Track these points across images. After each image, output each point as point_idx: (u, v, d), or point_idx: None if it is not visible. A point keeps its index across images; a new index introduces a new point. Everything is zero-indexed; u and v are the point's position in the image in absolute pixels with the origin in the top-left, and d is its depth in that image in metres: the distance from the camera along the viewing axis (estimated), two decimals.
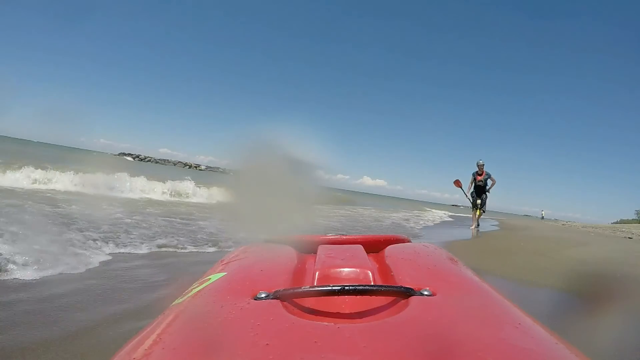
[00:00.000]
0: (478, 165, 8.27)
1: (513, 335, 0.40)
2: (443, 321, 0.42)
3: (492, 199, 8.47)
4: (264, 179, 0.73)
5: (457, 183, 8.50)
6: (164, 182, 8.98)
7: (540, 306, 2.29)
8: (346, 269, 0.61)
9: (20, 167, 7.23)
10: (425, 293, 0.48)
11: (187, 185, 9.26)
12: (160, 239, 3.42)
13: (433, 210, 19.67)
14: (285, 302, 0.47)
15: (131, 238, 3.26)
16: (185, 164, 67.30)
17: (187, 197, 8.72)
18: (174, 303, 0.55)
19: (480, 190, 8.30)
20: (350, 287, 0.48)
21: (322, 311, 0.49)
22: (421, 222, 11.03)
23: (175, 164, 64.80)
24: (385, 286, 0.50)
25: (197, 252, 3.24)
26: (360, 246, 0.77)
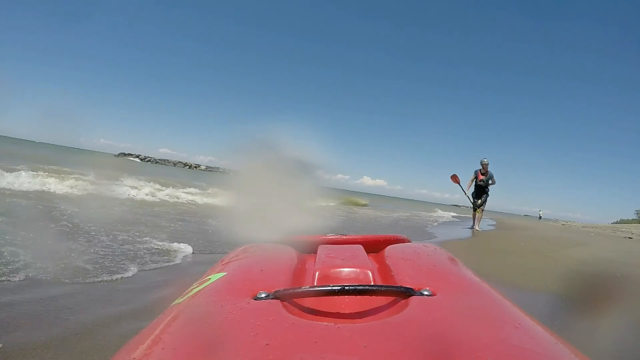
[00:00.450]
0: (482, 164, 7.75)
1: (513, 335, 0.40)
2: (443, 321, 0.42)
3: (492, 199, 8.03)
4: (264, 179, 0.73)
5: (455, 178, 8.01)
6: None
7: (539, 307, 2.29)
8: (346, 269, 0.61)
9: (61, 174, 7.06)
10: (425, 293, 0.48)
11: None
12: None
13: (440, 211, 21.01)
14: (285, 302, 0.47)
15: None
16: (185, 164, 67.29)
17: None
18: (174, 303, 0.55)
19: (480, 191, 7.88)
20: (350, 287, 0.48)
21: (322, 311, 0.49)
22: (434, 222, 11.93)
23: (175, 164, 64.78)
24: (385, 286, 0.50)
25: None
26: (360, 246, 0.77)
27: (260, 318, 0.42)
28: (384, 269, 0.64)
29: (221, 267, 0.65)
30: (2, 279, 1.95)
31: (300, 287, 0.50)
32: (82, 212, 4.22)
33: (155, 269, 2.53)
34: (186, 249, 3.19)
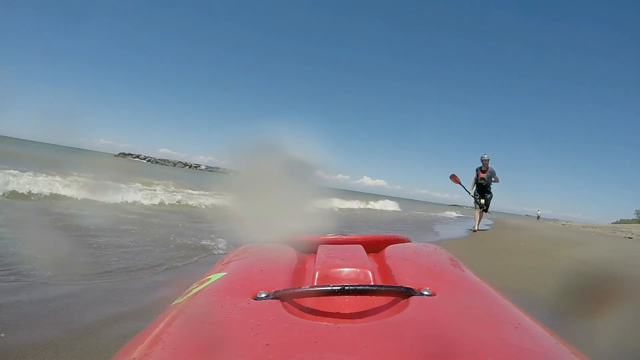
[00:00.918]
0: (482, 160, 7.25)
1: (513, 335, 0.40)
2: (443, 321, 0.42)
3: (492, 198, 7.55)
4: (264, 179, 0.73)
5: (454, 178, 7.44)
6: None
7: (539, 307, 2.29)
8: (346, 269, 0.61)
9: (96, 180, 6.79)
10: (425, 293, 0.48)
11: None
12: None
13: (446, 212, 22.59)
14: (285, 302, 0.47)
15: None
16: (185, 164, 67.27)
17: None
18: (174, 303, 0.55)
19: (482, 189, 7.35)
20: (350, 287, 0.48)
21: (322, 311, 0.49)
22: (449, 218, 14.47)
23: (175, 164, 64.74)
24: (385, 286, 0.50)
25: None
26: (360, 246, 0.77)
27: (260, 318, 0.42)
28: (384, 269, 0.64)
29: (221, 267, 0.65)
30: (3, 279, 1.95)
31: (300, 287, 0.50)
32: (102, 217, 4.24)
33: (155, 268, 2.53)
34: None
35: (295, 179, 0.74)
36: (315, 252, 0.73)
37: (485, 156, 7.24)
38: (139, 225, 3.98)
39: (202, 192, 9.12)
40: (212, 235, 3.77)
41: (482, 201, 7.35)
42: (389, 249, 0.73)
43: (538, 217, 38.93)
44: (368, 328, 0.39)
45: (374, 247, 0.80)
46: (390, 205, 18.84)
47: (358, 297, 0.50)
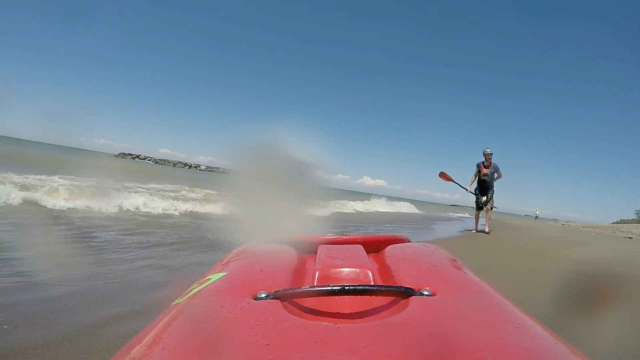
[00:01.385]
0: (485, 155, 6.61)
1: (513, 335, 0.40)
2: (443, 321, 0.42)
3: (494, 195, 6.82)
4: (264, 179, 0.73)
5: (444, 176, 6.81)
6: None
7: (539, 307, 2.29)
8: (346, 269, 0.61)
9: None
10: (425, 293, 0.48)
11: None
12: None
13: (451, 213, 23.53)
14: (285, 302, 0.47)
15: None
16: (185, 164, 67.25)
17: None
18: (174, 303, 0.55)
19: (484, 186, 6.68)
20: (350, 287, 0.48)
21: (322, 311, 0.49)
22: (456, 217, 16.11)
23: (175, 164, 64.72)
24: (385, 286, 0.50)
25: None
26: (360, 246, 0.77)
27: (260, 318, 0.42)
28: (384, 269, 0.64)
29: (221, 267, 0.65)
30: (3, 279, 1.95)
31: (300, 287, 0.50)
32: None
33: (155, 268, 2.53)
34: None
35: (296, 179, 0.74)
36: (315, 252, 0.73)
37: (489, 150, 6.60)
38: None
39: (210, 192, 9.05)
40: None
41: (484, 199, 6.72)
42: (389, 249, 0.73)
43: (536, 217, 38.97)
44: (368, 328, 0.39)
45: (374, 247, 0.80)
46: (404, 207, 19.19)
47: (358, 297, 0.50)
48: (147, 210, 5.53)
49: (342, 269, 0.61)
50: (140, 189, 7.01)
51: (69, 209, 4.76)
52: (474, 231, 7.04)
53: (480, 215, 7.02)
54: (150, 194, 6.41)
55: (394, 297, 0.49)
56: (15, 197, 4.68)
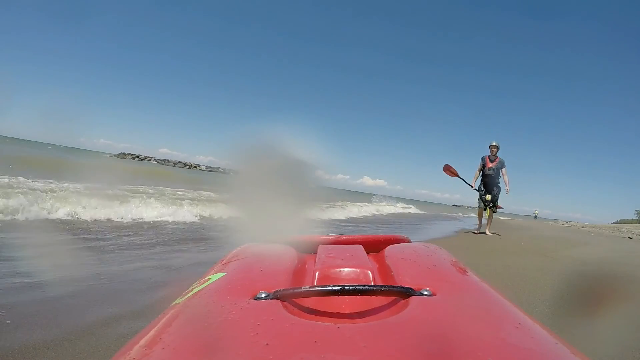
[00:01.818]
0: (491, 148, 6.12)
1: (513, 335, 0.40)
2: (443, 321, 0.42)
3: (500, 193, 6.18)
4: (264, 179, 0.73)
5: (449, 170, 6.16)
6: None
7: (539, 307, 2.29)
8: (346, 269, 0.61)
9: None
10: (425, 293, 0.48)
11: None
12: None
13: (456, 213, 24.60)
14: (285, 302, 0.47)
15: None
16: (185, 164, 67.21)
17: None
18: (174, 303, 0.55)
19: (490, 182, 6.10)
20: (350, 287, 0.47)
21: (322, 311, 0.49)
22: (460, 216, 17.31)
23: (175, 164, 64.70)
24: (385, 286, 0.50)
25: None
26: (360, 246, 0.77)
27: (260, 318, 0.42)
28: (384, 269, 0.64)
29: (221, 267, 0.65)
30: (3, 279, 1.95)
31: (300, 287, 0.50)
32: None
33: (155, 268, 2.53)
34: None
35: (297, 180, 0.74)
36: (315, 252, 0.73)
37: (495, 143, 6.06)
38: None
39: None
40: None
41: (488, 197, 6.08)
42: (389, 249, 0.73)
43: (535, 217, 39.00)
44: (368, 328, 0.39)
45: (374, 247, 0.80)
46: (412, 209, 20.41)
47: (358, 297, 0.50)
48: (155, 216, 5.18)
49: (342, 269, 0.61)
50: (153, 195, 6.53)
51: (82, 219, 4.39)
52: (476, 231, 6.51)
53: (483, 214, 6.43)
54: (158, 200, 6.02)
55: (394, 297, 0.49)
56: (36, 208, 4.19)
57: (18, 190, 4.68)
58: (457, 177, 6.23)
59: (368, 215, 11.35)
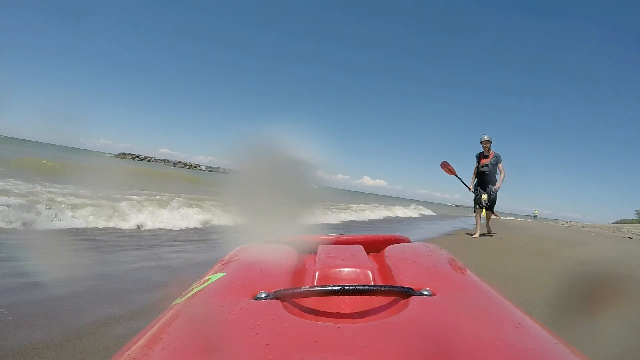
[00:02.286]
0: (482, 143, 5.63)
1: (513, 335, 0.40)
2: (443, 321, 0.42)
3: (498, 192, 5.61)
4: (263, 179, 0.73)
5: (446, 167, 5.68)
6: None
7: (539, 307, 2.29)
8: (346, 269, 0.61)
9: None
10: (425, 293, 0.48)
11: None
12: None
13: (461, 214, 25.18)
14: (285, 302, 0.47)
15: None
16: (185, 164, 67.20)
17: None
18: (174, 303, 0.55)
19: (486, 180, 5.61)
20: (350, 287, 0.47)
21: (322, 311, 0.49)
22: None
23: (175, 164, 64.68)
24: (385, 286, 0.50)
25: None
26: (360, 246, 0.76)
27: (260, 318, 0.42)
28: (384, 269, 0.64)
29: (221, 267, 0.65)
30: (3, 279, 1.95)
31: (300, 287, 0.50)
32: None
33: (155, 268, 2.53)
34: None
35: (296, 180, 0.74)
36: (315, 252, 0.73)
37: (486, 137, 5.58)
38: None
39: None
40: None
41: (485, 197, 5.57)
42: (389, 249, 0.73)
43: (535, 217, 39.01)
44: (368, 328, 0.39)
45: (374, 247, 0.80)
46: (423, 211, 21.40)
47: (358, 297, 0.50)
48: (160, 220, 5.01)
49: (342, 269, 0.61)
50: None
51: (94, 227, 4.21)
52: (476, 236, 5.79)
53: (480, 216, 5.86)
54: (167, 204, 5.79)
55: (394, 297, 0.49)
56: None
57: (17, 192, 4.70)
58: (454, 176, 5.80)
59: (402, 216, 12.90)
